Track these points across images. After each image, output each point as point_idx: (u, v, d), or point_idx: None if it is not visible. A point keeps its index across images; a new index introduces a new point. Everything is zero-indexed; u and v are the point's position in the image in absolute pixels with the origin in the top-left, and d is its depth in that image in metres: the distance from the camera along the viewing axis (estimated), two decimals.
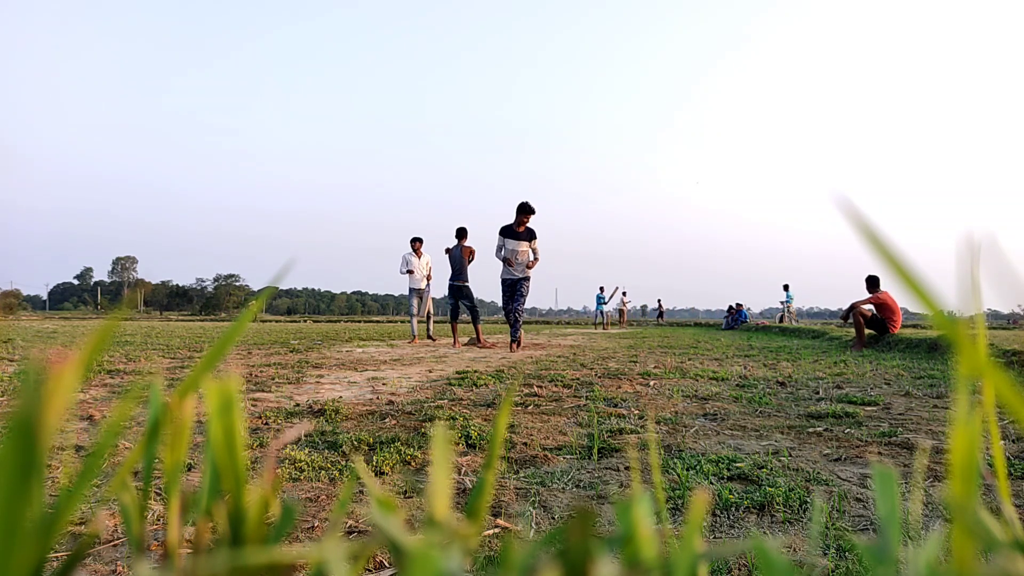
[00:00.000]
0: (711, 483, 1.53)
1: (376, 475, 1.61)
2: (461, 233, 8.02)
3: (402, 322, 29.07)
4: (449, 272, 8.07)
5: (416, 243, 9.01)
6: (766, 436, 2.14)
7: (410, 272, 8.87)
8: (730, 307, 22.28)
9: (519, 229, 6.85)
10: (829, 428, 2.25)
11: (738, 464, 1.67)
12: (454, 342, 7.92)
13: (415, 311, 8.96)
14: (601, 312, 23.60)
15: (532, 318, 63.62)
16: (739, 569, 1.03)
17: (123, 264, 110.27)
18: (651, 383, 3.67)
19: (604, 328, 21.35)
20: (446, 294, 8.26)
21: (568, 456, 1.82)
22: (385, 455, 1.74)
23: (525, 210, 6.74)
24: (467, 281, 7.96)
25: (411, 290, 8.99)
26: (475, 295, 8.17)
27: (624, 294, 25.71)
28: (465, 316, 8.35)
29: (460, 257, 7.92)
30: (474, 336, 8.15)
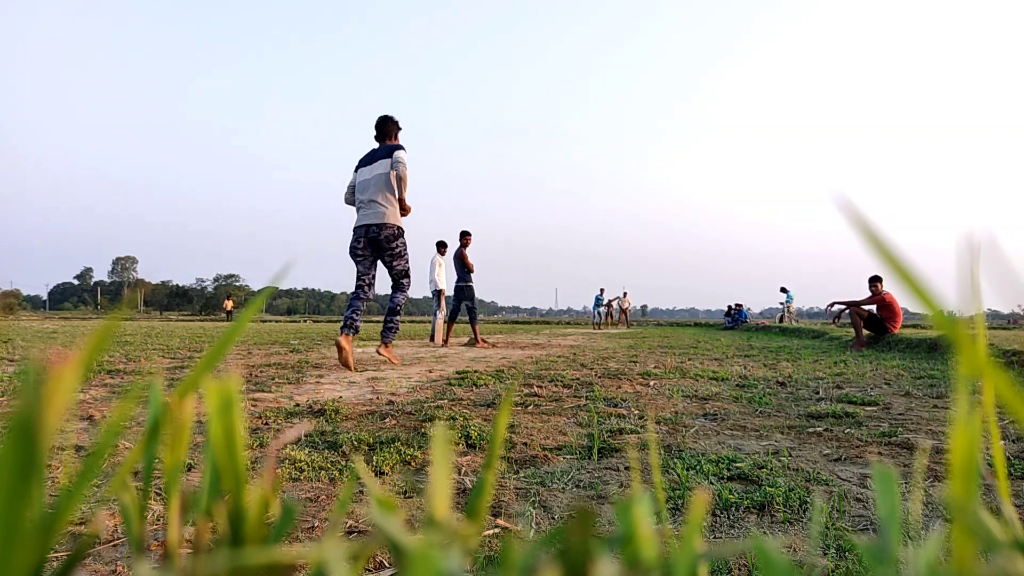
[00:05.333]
0: (711, 483, 1.53)
1: (376, 475, 1.61)
2: (465, 236, 8.17)
3: (402, 322, 28.97)
4: (452, 274, 8.25)
5: (443, 247, 9.14)
6: (766, 436, 2.14)
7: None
8: (730, 307, 22.29)
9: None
10: (829, 428, 2.25)
11: (738, 464, 1.67)
12: (446, 340, 8.03)
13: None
14: (598, 313, 23.64)
15: (532, 318, 63.54)
16: (739, 569, 1.03)
17: (123, 264, 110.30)
18: (651, 383, 3.67)
19: (599, 328, 21.36)
20: (450, 295, 8.43)
21: (568, 456, 1.82)
22: (385, 455, 1.74)
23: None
24: (471, 282, 8.13)
25: (441, 291, 9.00)
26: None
27: (625, 294, 25.67)
28: (462, 316, 8.48)
29: (463, 259, 8.10)
30: (472, 337, 8.24)
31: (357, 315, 4.06)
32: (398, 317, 4.29)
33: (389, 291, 4.33)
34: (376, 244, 4.07)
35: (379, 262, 4.19)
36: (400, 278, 4.20)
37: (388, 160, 4.11)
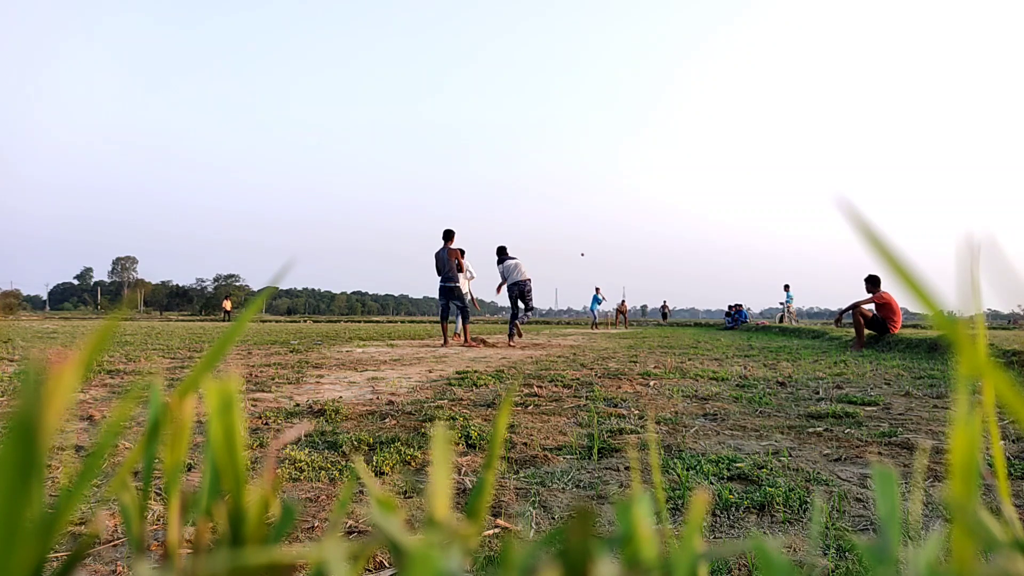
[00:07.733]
0: (711, 483, 1.53)
1: (376, 475, 1.61)
2: (448, 235, 8.08)
3: (402, 322, 28.98)
4: (434, 274, 8.24)
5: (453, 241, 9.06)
6: (766, 436, 2.13)
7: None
8: (730, 307, 22.29)
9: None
10: (829, 428, 2.25)
11: (738, 464, 1.67)
12: (445, 341, 8.01)
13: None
14: (595, 312, 23.53)
15: (532, 318, 63.83)
16: (739, 569, 1.03)
17: (123, 264, 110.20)
18: (651, 383, 3.66)
19: (594, 328, 21.29)
20: (437, 295, 8.38)
21: (568, 456, 1.82)
22: (385, 455, 1.74)
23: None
24: (458, 282, 8.07)
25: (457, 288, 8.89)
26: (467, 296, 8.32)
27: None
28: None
29: (446, 259, 8.01)
30: (463, 336, 8.26)
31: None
32: (518, 322, 8.55)
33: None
34: (520, 289, 8.32)
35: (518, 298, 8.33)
36: (529, 304, 8.41)
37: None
